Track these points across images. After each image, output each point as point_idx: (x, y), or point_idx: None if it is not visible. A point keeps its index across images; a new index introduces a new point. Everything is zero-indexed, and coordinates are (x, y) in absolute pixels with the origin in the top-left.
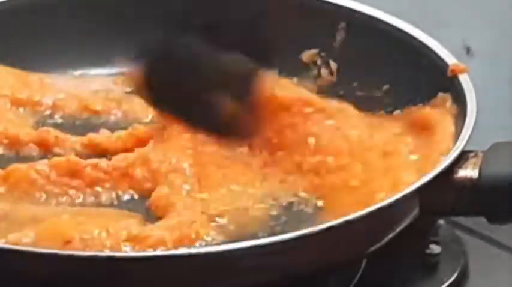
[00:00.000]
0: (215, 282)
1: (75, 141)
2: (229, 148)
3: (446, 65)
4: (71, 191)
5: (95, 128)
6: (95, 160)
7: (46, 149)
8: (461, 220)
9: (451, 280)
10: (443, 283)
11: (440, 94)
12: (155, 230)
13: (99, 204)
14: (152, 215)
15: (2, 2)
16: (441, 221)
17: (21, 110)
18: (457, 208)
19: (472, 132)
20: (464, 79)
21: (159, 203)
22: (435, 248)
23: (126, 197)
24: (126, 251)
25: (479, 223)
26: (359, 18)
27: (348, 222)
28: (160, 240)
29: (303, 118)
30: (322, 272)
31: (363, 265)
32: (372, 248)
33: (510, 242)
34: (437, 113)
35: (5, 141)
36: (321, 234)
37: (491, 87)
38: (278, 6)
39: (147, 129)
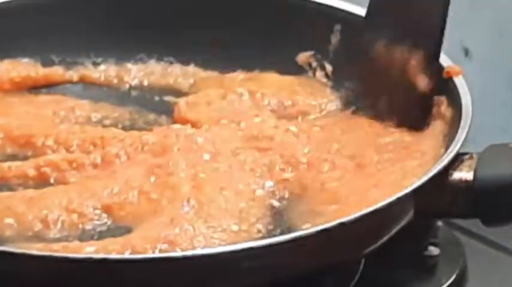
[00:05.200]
0: (211, 284)
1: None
2: None
3: (442, 67)
4: None
5: None
6: None
7: None
8: (460, 221)
9: (450, 281)
10: (441, 284)
11: (436, 97)
12: None
13: None
14: None
15: (7, 1)
16: (439, 223)
17: None
18: (452, 211)
19: (466, 135)
20: (459, 82)
21: None
22: (433, 250)
23: None
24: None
25: (477, 224)
26: (354, 20)
27: (342, 224)
28: None
29: None
30: (317, 274)
31: (361, 267)
32: (367, 250)
33: (509, 244)
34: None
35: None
36: (315, 236)
37: (489, 88)
38: None
39: None
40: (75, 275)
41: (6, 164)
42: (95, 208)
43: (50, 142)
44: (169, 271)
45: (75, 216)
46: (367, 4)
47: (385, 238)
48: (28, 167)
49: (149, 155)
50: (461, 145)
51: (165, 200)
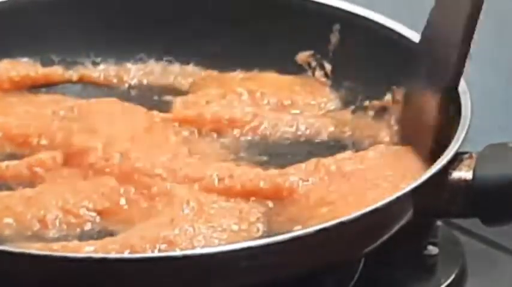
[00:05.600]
0: (211, 284)
1: None
2: None
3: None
4: None
5: None
6: None
7: None
8: (459, 221)
9: (449, 281)
10: (441, 284)
11: None
12: None
13: None
14: None
15: (6, 0)
16: (439, 222)
17: None
18: (451, 210)
19: (466, 135)
20: None
21: None
22: (433, 250)
23: None
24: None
25: (477, 224)
26: (353, 19)
27: (342, 223)
28: None
29: None
30: (317, 273)
31: (360, 266)
32: (367, 249)
33: (508, 244)
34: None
35: None
36: (314, 235)
37: (488, 88)
38: None
39: None
40: (75, 274)
41: (4, 164)
42: (91, 210)
43: (47, 141)
44: (169, 270)
45: (72, 216)
46: (366, 4)
47: (385, 238)
48: (22, 167)
49: None
50: (461, 144)
51: (164, 202)
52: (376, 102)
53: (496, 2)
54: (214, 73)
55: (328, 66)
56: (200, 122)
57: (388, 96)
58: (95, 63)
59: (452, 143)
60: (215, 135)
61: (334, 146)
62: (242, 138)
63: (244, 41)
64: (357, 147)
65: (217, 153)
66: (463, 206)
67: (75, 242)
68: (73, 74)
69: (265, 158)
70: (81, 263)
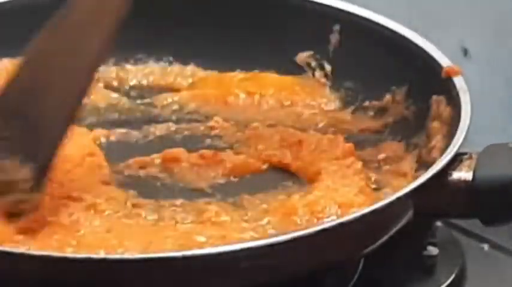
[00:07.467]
0: (211, 284)
1: None
2: None
3: (441, 67)
4: None
5: None
6: None
7: None
8: (459, 221)
9: (449, 281)
10: (440, 284)
11: (434, 97)
12: None
13: None
14: None
15: (4, 2)
16: (438, 223)
17: None
18: (451, 211)
19: (466, 135)
20: (458, 81)
21: None
22: (432, 250)
23: None
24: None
25: (476, 224)
26: (353, 20)
27: (341, 224)
28: None
29: None
30: (317, 273)
31: (360, 267)
32: (367, 250)
33: (507, 244)
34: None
35: None
36: (314, 236)
37: (487, 88)
38: None
39: None
40: (75, 274)
41: None
42: None
43: None
44: (169, 270)
45: None
46: (366, 4)
47: (384, 238)
48: None
49: None
50: (461, 145)
51: None
52: (376, 102)
53: (496, 2)
54: (214, 73)
55: (328, 67)
56: None
57: (388, 96)
58: None
59: (452, 144)
60: None
61: None
62: None
63: (244, 41)
64: (357, 147)
65: None
66: (463, 207)
67: None
68: None
69: None
70: (81, 263)
